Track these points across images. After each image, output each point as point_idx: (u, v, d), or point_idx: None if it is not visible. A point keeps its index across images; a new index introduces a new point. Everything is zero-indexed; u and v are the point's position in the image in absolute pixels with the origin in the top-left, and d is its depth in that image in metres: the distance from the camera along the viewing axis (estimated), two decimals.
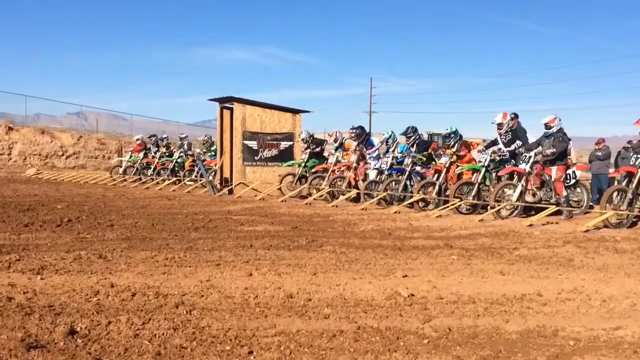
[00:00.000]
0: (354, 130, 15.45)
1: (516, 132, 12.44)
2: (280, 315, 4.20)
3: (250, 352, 3.44)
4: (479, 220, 10.27)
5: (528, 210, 11.47)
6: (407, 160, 13.62)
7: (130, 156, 21.48)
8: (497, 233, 8.87)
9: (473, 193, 11.78)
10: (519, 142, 12.25)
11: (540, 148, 11.30)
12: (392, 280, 5.43)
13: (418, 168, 13.62)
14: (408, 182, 13.39)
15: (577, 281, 5.52)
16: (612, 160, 18.76)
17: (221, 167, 17.24)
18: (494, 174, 12.32)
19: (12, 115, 34.10)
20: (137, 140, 22.05)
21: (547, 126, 11.64)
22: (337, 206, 12.82)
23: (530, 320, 4.26)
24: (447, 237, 8.45)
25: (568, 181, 11.68)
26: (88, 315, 4.02)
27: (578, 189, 12.00)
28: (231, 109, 17.64)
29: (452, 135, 13.30)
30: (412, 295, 4.84)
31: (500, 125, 12.60)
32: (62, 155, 30.17)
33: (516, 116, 14.68)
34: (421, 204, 12.48)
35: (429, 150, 14.05)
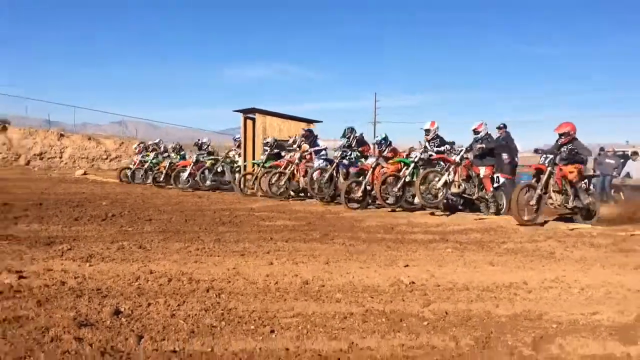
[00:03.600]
0: (304, 132, 15.22)
1: (439, 137, 12.23)
2: (298, 299, 4.20)
3: (272, 331, 3.44)
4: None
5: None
6: (337, 153, 13.35)
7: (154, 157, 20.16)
8: (487, 229, 8.81)
9: (399, 185, 11.44)
10: (447, 146, 11.94)
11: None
12: (395, 269, 5.42)
13: (346, 162, 13.12)
14: (334, 173, 12.97)
15: (558, 272, 5.48)
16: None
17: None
18: (421, 170, 11.70)
19: (64, 123, 34.25)
20: (135, 147, 21.56)
21: (476, 131, 11.87)
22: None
23: (518, 306, 4.24)
24: (443, 232, 8.41)
25: (495, 182, 11.49)
26: (130, 297, 4.04)
27: (500, 193, 11.56)
28: (253, 119, 17.67)
29: (383, 141, 13.11)
30: (413, 282, 4.83)
31: (427, 132, 12.33)
32: (106, 158, 30.31)
33: (504, 126, 14.70)
34: (349, 203, 11.96)
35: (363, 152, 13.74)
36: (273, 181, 14.03)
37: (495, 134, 14.21)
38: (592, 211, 10.36)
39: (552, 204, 10.09)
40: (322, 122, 18.95)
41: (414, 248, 6.79)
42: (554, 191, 9.95)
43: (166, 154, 19.52)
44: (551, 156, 9.88)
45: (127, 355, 2.93)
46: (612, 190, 18.40)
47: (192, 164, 17.02)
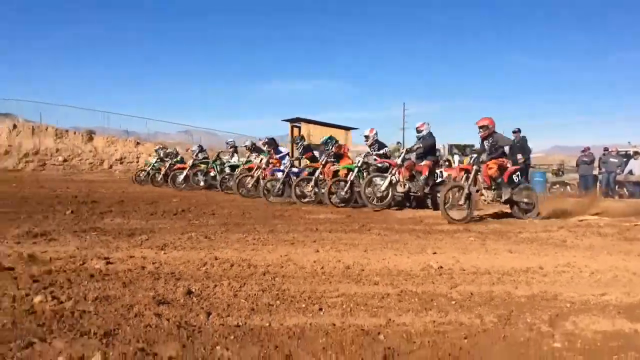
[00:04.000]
0: (267, 140, 14.64)
1: (378, 142, 11.76)
2: (341, 282, 4.20)
3: (320, 309, 3.45)
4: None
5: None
6: (286, 161, 12.96)
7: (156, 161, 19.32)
8: (505, 220, 8.68)
9: (345, 189, 11.05)
10: (387, 149, 11.75)
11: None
12: (425, 256, 5.37)
13: (295, 169, 12.66)
14: (287, 180, 12.39)
15: (570, 258, 5.34)
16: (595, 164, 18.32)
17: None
18: (365, 174, 11.34)
19: (138, 133, 34.88)
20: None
21: (418, 130, 11.05)
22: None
23: (535, 288, 4.15)
24: (466, 223, 8.30)
25: (435, 179, 10.91)
26: (199, 280, 4.10)
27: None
28: (299, 127, 17.78)
29: (329, 142, 12.66)
30: (441, 267, 4.78)
31: (367, 138, 11.86)
32: None
33: (519, 130, 14.46)
34: (302, 199, 11.55)
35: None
36: (244, 183, 13.38)
37: (511, 136, 14.04)
38: (531, 204, 9.32)
39: (485, 200, 9.36)
40: (358, 129, 18.95)
41: (441, 237, 6.72)
42: (484, 188, 9.20)
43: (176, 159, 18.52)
44: (475, 155, 9.26)
45: (199, 328, 2.98)
46: (616, 186, 17.94)
47: (189, 167, 16.52)
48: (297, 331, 3.02)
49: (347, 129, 18.45)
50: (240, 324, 3.11)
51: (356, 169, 11.30)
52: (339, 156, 12.18)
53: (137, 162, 28.63)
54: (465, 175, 9.09)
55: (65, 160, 27.63)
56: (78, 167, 27.27)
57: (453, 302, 3.69)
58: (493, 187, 9.16)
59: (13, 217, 7.63)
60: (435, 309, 3.51)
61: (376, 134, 11.83)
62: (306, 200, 11.55)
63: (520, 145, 14.36)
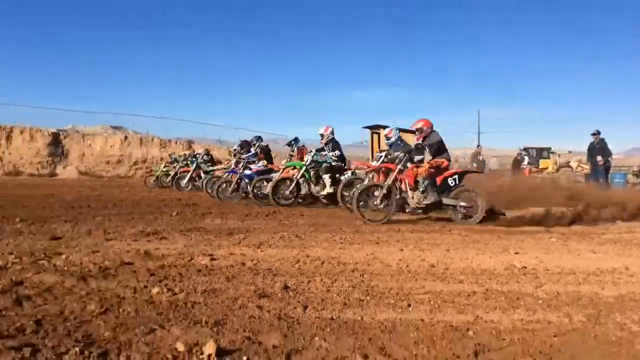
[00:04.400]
0: (240, 142, 14.47)
1: (333, 142, 11.14)
2: (427, 280, 4.13)
3: (409, 305, 3.41)
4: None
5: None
6: (240, 165, 12.50)
7: (164, 166, 19.34)
8: (587, 223, 8.22)
9: (291, 188, 10.64)
10: (337, 152, 11.10)
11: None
12: (507, 256, 5.18)
13: (247, 172, 12.06)
14: (240, 182, 12.10)
15: None
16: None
17: None
18: (312, 172, 10.88)
19: (229, 141, 35.98)
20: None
21: (387, 137, 10.71)
22: None
23: (622, 288, 3.91)
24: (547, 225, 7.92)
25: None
26: (294, 276, 4.16)
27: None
28: (378, 133, 17.68)
29: (293, 142, 12.43)
30: (525, 267, 4.59)
31: (322, 136, 11.24)
32: None
33: (598, 132, 13.67)
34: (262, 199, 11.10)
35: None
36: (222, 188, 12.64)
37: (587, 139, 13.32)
38: (472, 208, 8.26)
39: (410, 202, 8.42)
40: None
41: (522, 238, 6.47)
42: (410, 189, 8.36)
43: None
44: (400, 154, 8.59)
45: (297, 320, 3.03)
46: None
47: (192, 170, 16.60)
48: (388, 325, 3.00)
49: None
50: (334, 317, 3.13)
51: (303, 168, 10.90)
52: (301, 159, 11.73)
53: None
54: (387, 175, 8.65)
55: None
56: None
57: (540, 301, 3.54)
58: (422, 190, 8.30)
59: (128, 218, 8.09)
60: (522, 307, 3.38)
61: (332, 132, 11.27)
62: (264, 200, 11.06)
63: (600, 147, 13.63)
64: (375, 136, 18.08)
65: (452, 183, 8.44)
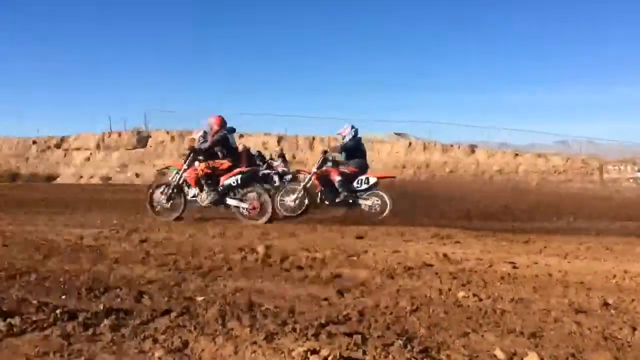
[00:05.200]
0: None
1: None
2: None
3: None
4: None
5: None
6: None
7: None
8: None
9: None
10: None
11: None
12: None
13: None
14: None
15: None
16: None
17: None
18: None
19: (516, 145, 34.38)
20: None
21: (342, 136, 9.79)
22: None
23: None
24: None
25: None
26: (613, 292, 3.72)
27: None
28: None
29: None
30: None
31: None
32: (555, 172, 29.15)
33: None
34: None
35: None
36: None
37: None
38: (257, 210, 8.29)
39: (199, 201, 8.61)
40: None
41: None
42: (192, 189, 8.67)
43: None
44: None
45: (628, 342, 2.69)
46: None
47: None
48: None
49: None
50: None
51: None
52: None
53: (516, 172, 28.36)
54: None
55: (451, 172, 29.35)
56: (463, 178, 28.57)
57: None
58: (207, 190, 8.43)
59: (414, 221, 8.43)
60: None
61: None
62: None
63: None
64: None
65: (234, 184, 8.43)
